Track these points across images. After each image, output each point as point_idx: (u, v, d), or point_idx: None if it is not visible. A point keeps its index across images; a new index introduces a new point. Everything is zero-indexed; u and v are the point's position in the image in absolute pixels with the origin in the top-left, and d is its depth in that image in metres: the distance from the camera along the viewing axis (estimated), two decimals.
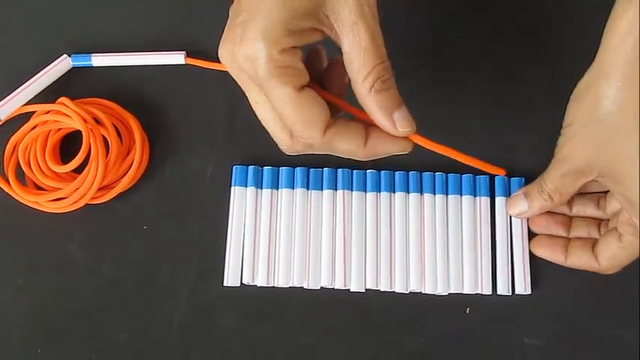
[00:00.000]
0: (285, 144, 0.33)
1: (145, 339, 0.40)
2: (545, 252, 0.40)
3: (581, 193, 0.40)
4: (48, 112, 0.41)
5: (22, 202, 0.41)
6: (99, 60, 0.44)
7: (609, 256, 0.38)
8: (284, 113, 0.31)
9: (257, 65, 0.30)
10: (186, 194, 0.42)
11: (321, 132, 0.32)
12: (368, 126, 0.33)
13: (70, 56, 0.44)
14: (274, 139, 0.33)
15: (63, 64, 0.44)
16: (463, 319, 0.41)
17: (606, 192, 0.40)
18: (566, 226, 0.41)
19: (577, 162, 0.37)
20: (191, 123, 0.43)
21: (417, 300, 0.41)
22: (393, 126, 0.32)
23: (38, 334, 0.40)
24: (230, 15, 0.32)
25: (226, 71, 0.33)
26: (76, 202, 0.40)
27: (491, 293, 0.41)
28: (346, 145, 0.33)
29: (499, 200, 0.42)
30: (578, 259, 0.39)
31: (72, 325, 0.40)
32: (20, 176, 0.42)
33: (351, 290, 0.40)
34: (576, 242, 0.40)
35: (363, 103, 0.32)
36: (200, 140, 0.43)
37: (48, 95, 0.43)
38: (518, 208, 0.40)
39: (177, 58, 0.44)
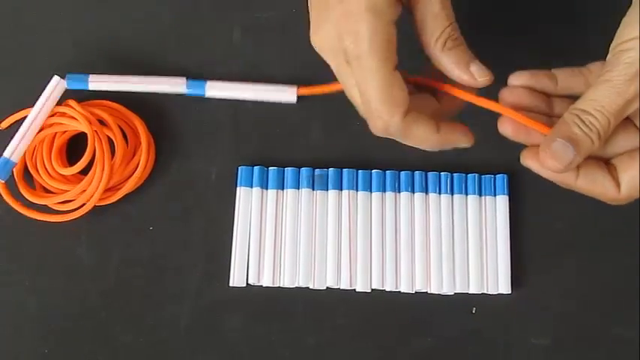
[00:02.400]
0: (374, 124, 0.33)
1: (151, 340, 0.40)
2: (548, 173, 0.34)
3: None
4: (54, 114, 0.41)
5: (32, 201, 0.41)
6: (95, 84, 0.43)
7: (631, 182, 0.33)
8: (374, 89, 0.32)
9: (361, 39, 0.31)
10: (192, 195, 0.42)
11: (402, 114, 0.33)
12: (438, 120, 0.34)
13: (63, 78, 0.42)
14: (367, 122, 0.34)
15: (58, 87, 0.42)
16: (469, 319, 0.41)
17: None
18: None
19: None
20: (196, 124, 0.43)
21: (423, 300, 0.41)
22: (472, 77, 0.33)
23: (45, 335, 0.40)
24: (312, 5, 0.34)
25: None
26: (83, 204, 0.40)
27: (497, 293, 0.41)
28: (422, 130, 0.33)
29: (500, 199, 0.42)
30: (593, 183, 0.34)
31: (79, 326, 0.40)
32: (29, 180, 0.42)
33: (357, 290, 0.40)
34: (590, 162, 0.34)
35: (440, 64, 0.33)
36: (206, 141, 0.43)
37: None
38: (567, 156, 0.32)
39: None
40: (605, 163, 0.34)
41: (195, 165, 0.43)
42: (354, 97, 0.34)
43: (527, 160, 0.34)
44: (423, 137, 0.34)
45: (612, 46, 0.32)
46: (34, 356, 0.40)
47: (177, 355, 0.40)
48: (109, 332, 0.40)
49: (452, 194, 0.42)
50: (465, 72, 0.33)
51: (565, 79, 0.35)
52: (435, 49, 0.33)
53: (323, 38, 0.33)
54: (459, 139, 0.34)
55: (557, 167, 0.32)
